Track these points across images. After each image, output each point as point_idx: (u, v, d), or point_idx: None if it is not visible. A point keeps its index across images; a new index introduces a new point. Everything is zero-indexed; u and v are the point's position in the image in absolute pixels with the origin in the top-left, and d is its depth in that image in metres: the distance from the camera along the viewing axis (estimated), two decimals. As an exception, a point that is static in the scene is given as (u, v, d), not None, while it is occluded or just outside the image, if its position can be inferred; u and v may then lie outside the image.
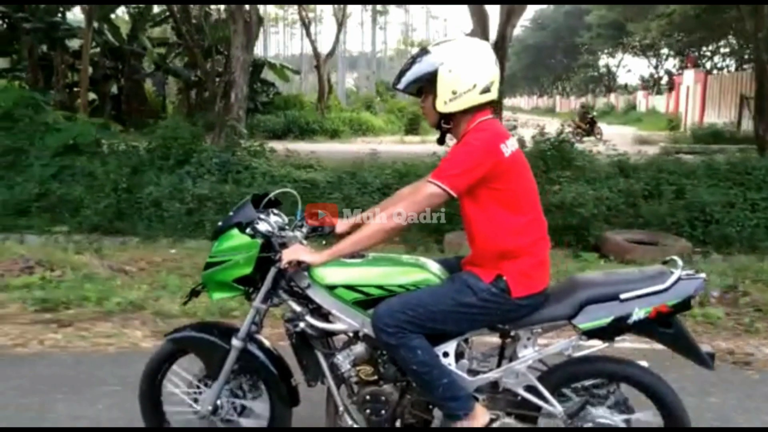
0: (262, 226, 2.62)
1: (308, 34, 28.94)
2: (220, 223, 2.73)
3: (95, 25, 21.40)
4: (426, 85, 2.45)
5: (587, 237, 7.41)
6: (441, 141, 2.63)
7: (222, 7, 25.38)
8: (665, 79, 45.11)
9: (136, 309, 4.99)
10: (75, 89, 25.10)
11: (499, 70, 2.52)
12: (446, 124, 2.49)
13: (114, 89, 24.50)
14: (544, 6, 57.50)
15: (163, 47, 25.86)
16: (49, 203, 8.64)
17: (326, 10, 38.07)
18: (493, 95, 2.47)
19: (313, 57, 28.53)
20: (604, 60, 57.14)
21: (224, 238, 2.64)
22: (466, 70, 2.40)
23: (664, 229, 7.61)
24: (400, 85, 2.50)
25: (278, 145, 11.18)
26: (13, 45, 23.28)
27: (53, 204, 8.62)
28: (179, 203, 8.18)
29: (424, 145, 13.52)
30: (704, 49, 37.64)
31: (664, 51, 44.08)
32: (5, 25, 22.57)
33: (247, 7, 11.29)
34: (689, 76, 31.37)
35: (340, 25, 28.52)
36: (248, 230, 2.61)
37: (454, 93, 2.40)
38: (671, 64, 46.14)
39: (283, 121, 23.69)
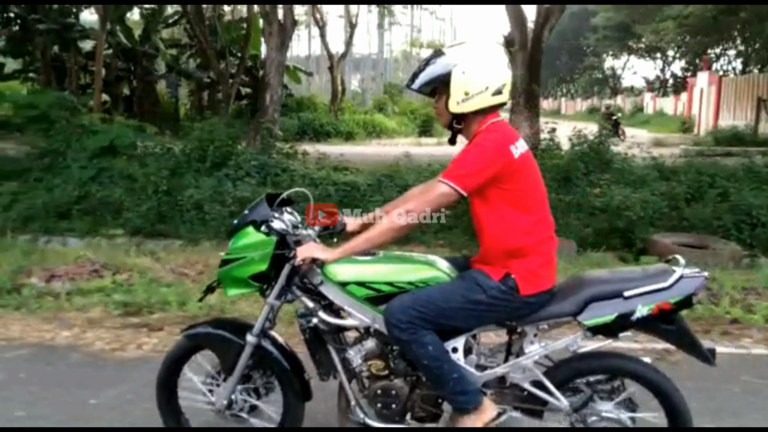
0: (277, 225, 2.72)
1: (322, 36, 29.18)
2: (235, 222, 2.82)
3: (108, 26, 21.80)
4: (439, 86, 2.55)
5: (634, 240, 7.37)
6: (452, 141, 2.72)
7: (235, 8, 25.69)
8: (673, 82, 45.24)
9: (219, 312, 4.97)
10: (87, 90, 25.45)
11: (511, 73, 2.60)
12: (458, 124, 2.59)
13: (126, 90, 24.62)
14: (547, 7, 57.69)
15: (175, 49, 25.94)
16: (89, 206, 8.62)
17: (331, 12, 38.33)
18: (504, 97, 2.56)
19: (324, 59, 28.77)
20: (609, 62, 57.37)
21: (240, 236, 2.74)
22: (479, 73, 2.49)
23: (710, 232, 7.58)
24: (415, 86, 2.59)
25: (301, 148, 11.23)
26: (26, 46, 23.55)
27: (93, 206, 8.61)
28: (220, 206, 8.13)
29: (441, 147, 13.56)
30: (709, 51, 37.77)
31: (670, 53, 44.29)
32: (17, 27, 22.91)
33: (280, 8, 11.37)
34: (703, 79, 31.27)
35: (353, 26, 28.70)
36: (263, 228, 2.71)
37: (466, 94, 2.49)
38: (677, 66, 46.51)
39: (297, 124, 23.64)
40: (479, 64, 2.51)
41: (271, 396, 2.95)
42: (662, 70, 47.88)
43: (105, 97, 22.86)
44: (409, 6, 33.63)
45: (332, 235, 2.94)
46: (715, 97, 29.19)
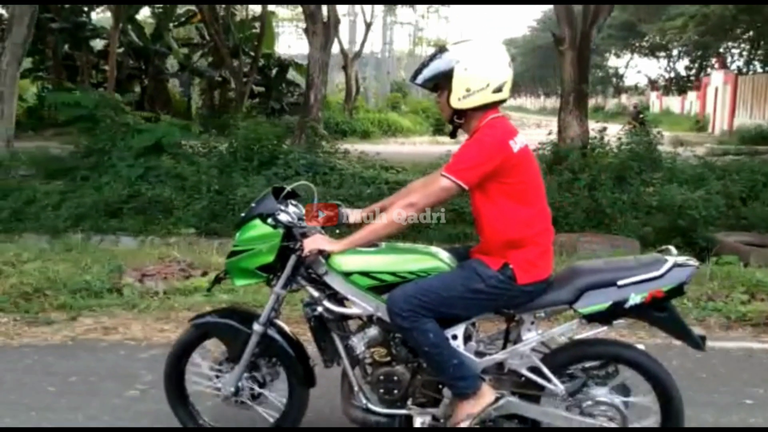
0: (283, 217, 2.84)
1: (336, 35, 29.45)
2: (243, 214, 2.95)
3: (119, 25, 22.15)
4: (442, 82, 2.66)
5: (695, 239, 7.39)
6: (453, 135, 2.83)
7: (247, 6, 25.97)
8: (678, 80, 45.29)
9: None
10: (99, 89, 25.89)
11: (511, 72, 2.71)
12: (459, 119, 2.70)
13: (137, 89, 24.75)
14: (551, 6, 57.94)
15: (186, 47, 26.02)
16: (139, 204, 8.64)
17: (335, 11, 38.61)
18: (504, 95, 2.68)
19: (334, 58, 28.99)
20: (613, 61, 57.37)
21: (247, 228, 2.86)
22: (480, 70, 2.61)
23: (770, 231, 7.82)
24: (418, 81, 2.72)
25: (341, 147, 11.20)
26: (36, 45, 24.08)
27: (143, 205, 8.62)
28: None
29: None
30: (712, 50, 37.91)
31: (675, 52, 44.35)
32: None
33: (325, 8, 11.47)
34: (718, 77, 31.17)
35: (368, 25, 28.95)
36: (270, 221, 2.83)
37: (468, 90, 2.62)
38: (681, 65, 46.61)
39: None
40: (481, 61, 2.62)
41: (276, 383, 3.06)
42: (668, 69, 48.13)
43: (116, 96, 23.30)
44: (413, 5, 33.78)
45: (336, 226, 3.03)
46: (731, 96, 29.04)
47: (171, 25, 24.44)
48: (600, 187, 8.23)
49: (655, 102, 44.20)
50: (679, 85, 44.21)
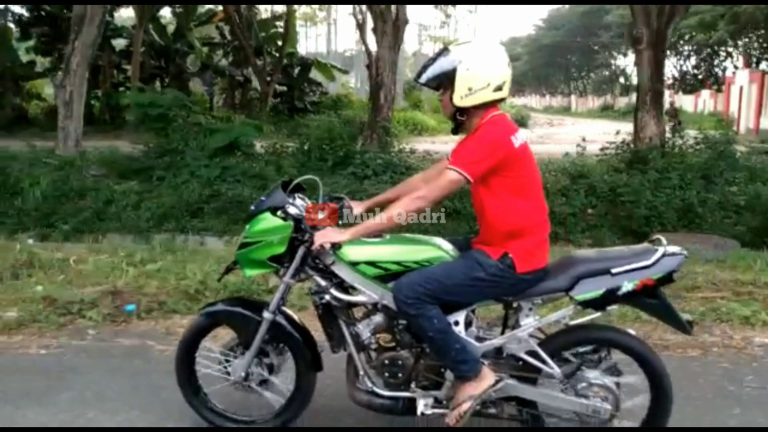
0: (293, 210, 3.00)
1: (361, 33, 29.63)
2: (252, 208, 3.10)
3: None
4: (445, 81, 2.83)
5: None
6: (455, 131, 3.00)
7: (270, 6, 26.26)
8: (694, 78, 45.68)
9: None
10: (120, 89, 25.43)
11: (510, 71, 2.88)
12: (461, 116, 2.88)
13: (158, 88, 24.88)
14: (558, 6, 58.53)
15: (207, 47, 26.15)
16: (220, 204, 8.59)
17: (341, 10, 38.94)
18: (504, 93, 2.85)
19: (345, 56, 29.03)
20: (622, 60, 57.85)
21: (258, 221, 3.02)
22: (482, 70, 2.79)
23: None
24: (422, 80, 2.90)
25: (406, 146, 11.19)
26: (56, 44, 23.61)
27: (225, 205, 8.58)
28: None
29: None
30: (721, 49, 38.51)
31: (684, 51, 44.78)
32: (47, 26, 23.22)
33: (393, 7, 11.50)
34: (743, 76, 31.11)
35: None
36: (279, 213, 3.00)
37: (470, 89, 2.79)
38: (690, 63, 46.91)
39: (339, 122, 23.94)
40: (482, 62, 2.80)
41: (284, 368, 3.23)
42: (677, 67, 48.48)
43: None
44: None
45: (339, 217, 3.16)
46: (758, 95, 28.81)
47: (192, 24, 24.48)
48: (687, 186, 8.33)
49: (667, 100, 44.09)
50: (690, 84, 44.65)
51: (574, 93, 71.18)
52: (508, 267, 2.81)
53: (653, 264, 2.76)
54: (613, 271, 2.78)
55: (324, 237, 2.88)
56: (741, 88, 30.66)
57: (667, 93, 45.91)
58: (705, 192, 8.32)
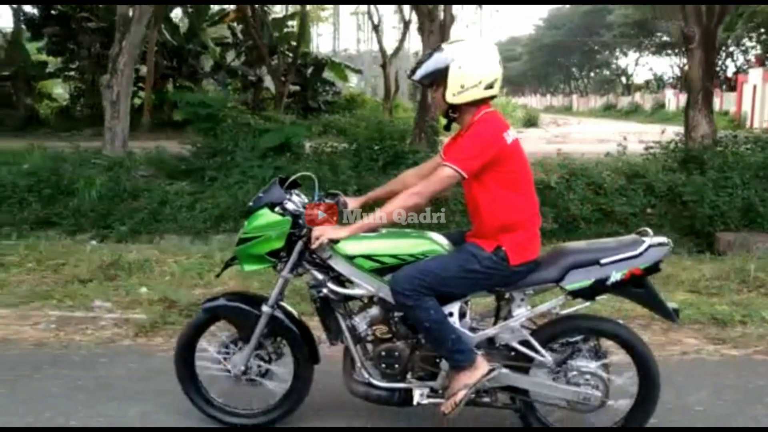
0: (290, 206, 3.10)
1: (377, 33, 30.02)
2: (250, 204, 3.20)
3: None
4: (438, 79, 2.95)
5: None
6: (447, 128, 3.13)
7: (284, 6, 26.33)
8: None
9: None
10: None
11: (501, 70, 2.98)
12: (453, 113, 3.00)
13: (170, 88, 24.95)
14: (559, 6, 59.23)
15: (219, 47, 26.16)
16: None
17: (343, 9, 39.19)
18: (495, 91, 2.96)
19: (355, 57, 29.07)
20: (624, 59, 58.57)
21: (256, 216, 3.11)
22: (473, 68, 2.90)
23: None
24: (415, 77, 3.01)
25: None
26: (67, 44, 23.75)
27: None
28: None
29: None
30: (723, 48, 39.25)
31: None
32: (57, 26, 23.04)
33: (441, 6, 11.53)
34: (756, 75, 30.66)
35: (407, 23, 29.43)
36: (277, 209, 3.10)
37: (462, 87, 2.91)
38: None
39: (354, 122, 23.98)
40: (474, 60, 2.91)
41: (282, 361, 3.32)
42: (680, 66, 49.20)
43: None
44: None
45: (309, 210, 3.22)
46: None
47: (204, 24, 24.49)
48: (746, 185, 8.30)
49: (672, 99, 44.03)
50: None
51: (574, 92, 71.71)
52: (502, 259, 2.92)
53: (640, 254, 2.89)
54: (602, 261, 2.91)
55: (322, 233, 2.97)
56: (754, 87, 30.34)
57: (671, 92, 46.28)
58: (763, 191, 8.30)
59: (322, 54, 30.27)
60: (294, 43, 24.60)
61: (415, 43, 37.98)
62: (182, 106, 11.53)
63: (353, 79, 33.18)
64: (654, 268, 2.94)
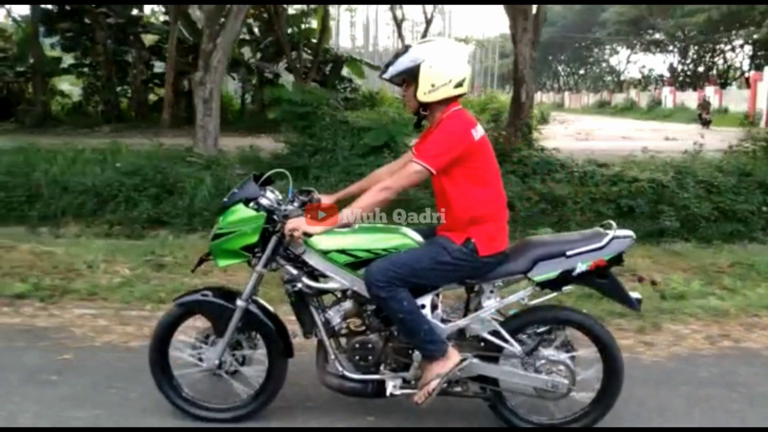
0: (265, 202, 3.18)
1: (399, 32, 30.14)
2: (225, 200, 3.27)
3: (166, 18, 21.93)
4: (409, 78, 3.07)
5: None
6: (418, 125, 3.26)
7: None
8: (696, 75, 47.28)
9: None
10: (149, 85, 25.25)
11: (470, 69, 3.12)
12: (424, 111, 3.11)
13: (185, 85, 24.33)
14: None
15: (234, 43, 26.49)
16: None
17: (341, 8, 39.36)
18: (464, 89, 3.08)
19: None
20: (616, 56, 59.66)
21: (231, 212, 3.19)
22: (444, 67, 3.02)
23: None
24: (386, 75, 3.12)
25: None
26: (80, 40, 23.50)
27: (392, 205, 8.50)
28: (528, 202, 8.11)
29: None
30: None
31: (677, 48, 46.82)
32: (72, 22, 22.75)
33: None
34: None
35: (429, 21, 29.60)
36: (252, 205, 3.18)
37: (432, 86, 3.03)
38: (681, 60, 48.93)
39: (376, 118, 23.69)
40: (444, 59, 3.04)
41: (256, 356, 3.41)
42: (681, 63, 50.54)
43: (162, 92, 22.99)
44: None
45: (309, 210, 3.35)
46: None
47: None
48: None
49: (668, 97, 44.53)
50: (685, 80, 46.48)
51: (565, 89, 72.82)
52: (471, 251, 3.05)
53: (604, 246, 3.05)
54: (568, 253, 3.05)
55: (297, 225, 3.07)
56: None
57: (668, 89, 47.41)
58: None
59: (341, 50, 30.29)
60: (314, 40, 24.70)
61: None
62: (282, 103, 11.30)
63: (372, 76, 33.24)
64: (617, 259, 3.09)
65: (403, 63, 3.12)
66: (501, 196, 3.21)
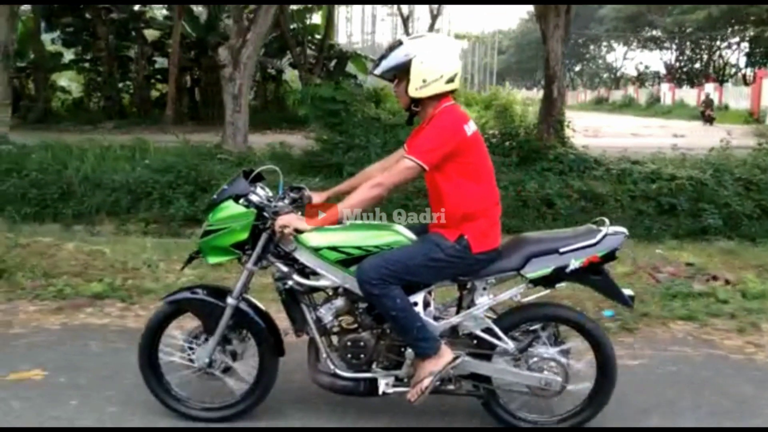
0: (255, 198, 3.15)
1: (405, 27, 30.17)
2: (214, 196, 3.25)
3: (168, 13, 21.87)
4: (400, 74, 3.05)
5: None
6: (410, 121, 3.24)
7: None
8: (695, 71, 47.21)
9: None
10: (152, 80, 25.26)
11: (461, 64, 3.11)
12: (416, 107, 3.09)
13: (187, 81, 24.72)
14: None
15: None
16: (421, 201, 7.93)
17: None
18: (455, 85, 3.05)
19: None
20: (614, 53, 59.84)
21: (220, 209, 3.17)
22: (435, 63, 3.00)
23: None
24: (377, 71, 3.10)
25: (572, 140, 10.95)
26: (81, 35, 23.53)
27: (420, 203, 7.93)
28: (567, 200, 8.14)
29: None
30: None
31: (673, 45, 47.01)
32: (72, 17, 22.74)
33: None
34: None
35: (435, 17, 29.64)
36: (241, 201, 3.16)
37: (424, 81, 3.00)
38: (678, 56, 49.07)
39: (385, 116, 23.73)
40: (435, 55, 3.01)
41: (247, 355, 3.39)
42: (680, 60, 50.73)
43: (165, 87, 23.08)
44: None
45: (299, 207, 3.35)
46: None
47: (223, 15, 24.12)
48: None
49: (667, 93, 44.40)
50: (687, 77, 46.46)
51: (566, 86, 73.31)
52: (465, 248, 3.03)
53: (598, 243, 3.03)
54: (561, 250, 3.03)
55: (287, 222, 3.06)
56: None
57: (667, 86, 47.84)
58: None
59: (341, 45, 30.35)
60: (318, 36, 24.82)
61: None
62: (312, 100, 11.44)
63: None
64: (611, 256, 3.07)
65: (394, 59, 3.10)
66: (494, 192, 3.19)
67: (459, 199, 3.08)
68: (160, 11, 27.08)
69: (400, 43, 3.15)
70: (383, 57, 3.16)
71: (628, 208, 7.85)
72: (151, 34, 25.50)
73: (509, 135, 9.90)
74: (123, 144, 10.34)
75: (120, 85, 25.14)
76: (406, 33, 28.36)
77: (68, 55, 25.87)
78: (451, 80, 3.09)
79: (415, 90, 3.07)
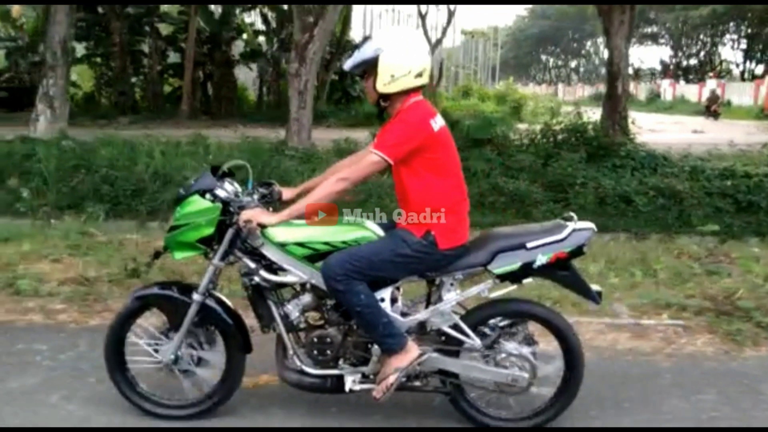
0: (221, 193, 3.15)
1: (423, 25, 30.35)
2: (181, 191, 3.24)
3: (182, 9, 21.81)
4: (369, 69, 3.04)
5: None
6: (380, 116, 3.23)
7: None
8: (696, 68, 47.32)
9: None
10: (164, 75, 25.14)
11: (430, 59, 3.11)
12: (384, 102, 3.09)
13: (200, 76, 24.58)
14: None
15: (254, 34, 25.84)
16: (505, 199, 8.47)
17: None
18: (424, 80, 3.06)
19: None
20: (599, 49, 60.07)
21: (187, 203, 3.17)
22: (403, 58, 3.00)
23: None
24: (346, 67, 3.10)
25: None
26: (93, 30, 23.41)
27: (500, 199, 8.46)
28: (644, 197, 8.20)
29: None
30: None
31: (672, 41, 47.20)
32: (84, 11, 22.40)
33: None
34: None
35: (451, 14, 29.70)
36: (208, 196, 3.16)
37: (392, 77, 3.00)
38: (679, 53, 49.23)
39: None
40: (403, 50, 3.01)
41: (213, 351, 3.40)
42: (681, 56, 50.94)
43: (179, 82, 23.04)
44: None
45: (269, 203, 3.37)
46: None
47: (237, 10, 24.22)
48: None
49: (668, 89, 44.55)
50: (685, 73, 46.59)
51: (558, 81, 73.22)
52: (431, 243, 3.03)
53: (565, 238, 3.04)
54: (528, 245, 3.04)
55: (251, 215, 3.07)
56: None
57: (667, 82, 48.19)
58: None
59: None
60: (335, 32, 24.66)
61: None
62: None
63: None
64: (578, 251, 3.08)
65: (362, 54, 3.10)
66: (461, 188, 3.18)
67: (425, 195, 3.09)
68: (174, 6, 27.02)
69: (369, 38, 3.16)
70: (352, 53, 3.18)
71: (705, 206, 7.91)
72: (164, 28, 25.40)
73: (576, 131, 9.95)
74: (179, 140, 10.53)
75: (133, 80, 24.88)
76: (424, 31, 28.52)
77: (81, 50, 25.70)
78: (419, 75, 3.10)
79: (383, 85, 3.08)
